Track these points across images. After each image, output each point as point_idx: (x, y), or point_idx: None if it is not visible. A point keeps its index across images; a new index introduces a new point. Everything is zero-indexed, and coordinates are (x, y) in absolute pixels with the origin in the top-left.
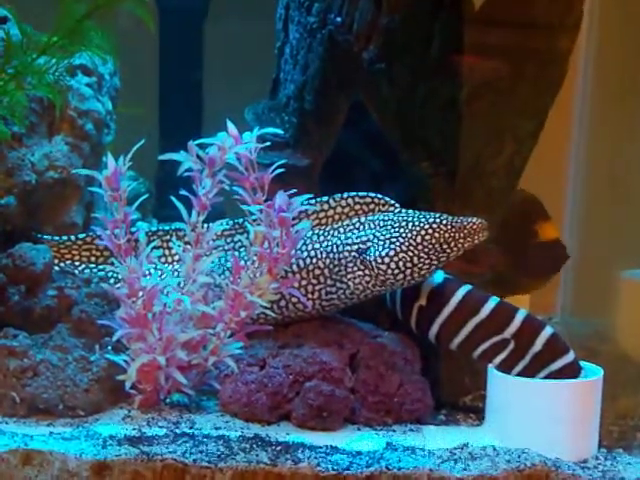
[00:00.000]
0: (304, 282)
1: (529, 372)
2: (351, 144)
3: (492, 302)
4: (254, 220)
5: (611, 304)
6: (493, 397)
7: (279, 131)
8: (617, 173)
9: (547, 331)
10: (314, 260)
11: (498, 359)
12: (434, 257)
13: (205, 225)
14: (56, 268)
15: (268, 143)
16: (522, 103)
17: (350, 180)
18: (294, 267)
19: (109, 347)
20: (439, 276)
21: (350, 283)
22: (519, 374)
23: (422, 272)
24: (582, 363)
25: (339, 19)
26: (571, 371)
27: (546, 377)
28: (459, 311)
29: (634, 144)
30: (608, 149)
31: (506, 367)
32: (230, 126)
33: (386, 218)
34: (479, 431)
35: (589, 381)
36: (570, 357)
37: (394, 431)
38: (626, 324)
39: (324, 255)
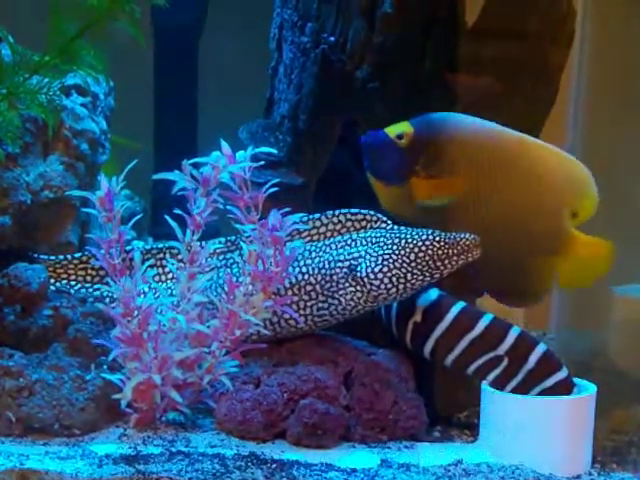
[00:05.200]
0: (296, 298)
1: (523, 389)
2: (345, 162)
3: (486, 319)
4: (248, 238)
5: (604, 320)
6: (487, 414)
7: (273, 150)
8: (611, 187)
9: (540, 348)
10: (306, 276)
11: (492, 376)
12: (427, 273)
13: (199, 244)
14: (52, 288)
15: (262, 162)
16: (516, 118)
17: (344, 198)
18: (286, 283)
19: (105, 366)
20: (434, 293)
21: (342, 299)
22: (513, 391)
23: (415, 288)
24: (575, 379)
25: (332, 38)
26: (564, 388)
27: (539, 394)
28: (453, 327)
29: (629, 157)
30: (603, 165)
31: (500, 384)
32: (224, 145)
33: (378, 235)
34: (473, 447)
35: (582, 397)
36: (563, 374)
37: (389, 448)
38: (619, 340)
39: (316, 271)
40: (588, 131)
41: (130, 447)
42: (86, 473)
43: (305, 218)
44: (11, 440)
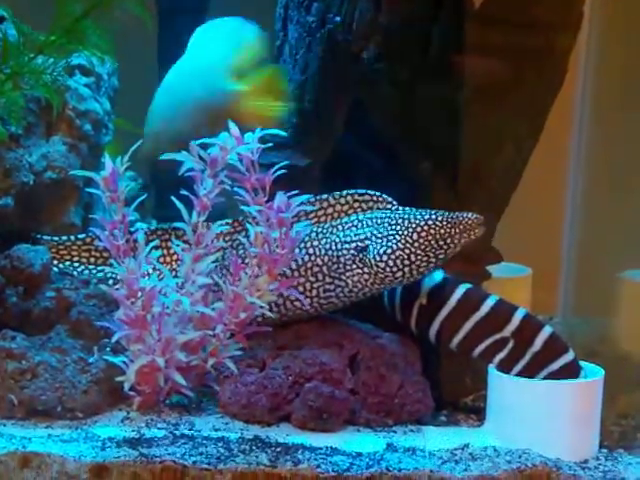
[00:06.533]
0: (302, 280)
1: (529, 372)
2: (351, 144)
3: (491, 300)
4: (254, 220)
5: (611, 304)
6: (493, 398)
7: (280, 131)
8: (617, 173)
9: (546, 330)
10: (312, 258)
11: (498, 358)
12: (431, 254)
13: (205, 225)
14: (55, 269)
15: (269, 144)
16: (522, 103)
17: (350, 179)
18: (292, 265)
19: (108, 348)
20: (438, 275)
21: (349, 281)
22: (519, 374)
23: (420, 269)
24: (583, 363)
25: (338, 18)
26: (571, 371)
27: (546, 377)
28: (459, 309)
29: (634, 144)
30: (608, 149)
31: (506, 366)
32: (232, 126)
33: (383, 216)
34: (480, 432)
35: (589, 381)
36: (570, 357)
37: (394, 432)
38: (626, 324)
39: (322, 253)
40: (596, 117)
41: (133, 430)
42: (89, 456)
43: (312, 199)
44: (13, 423)
